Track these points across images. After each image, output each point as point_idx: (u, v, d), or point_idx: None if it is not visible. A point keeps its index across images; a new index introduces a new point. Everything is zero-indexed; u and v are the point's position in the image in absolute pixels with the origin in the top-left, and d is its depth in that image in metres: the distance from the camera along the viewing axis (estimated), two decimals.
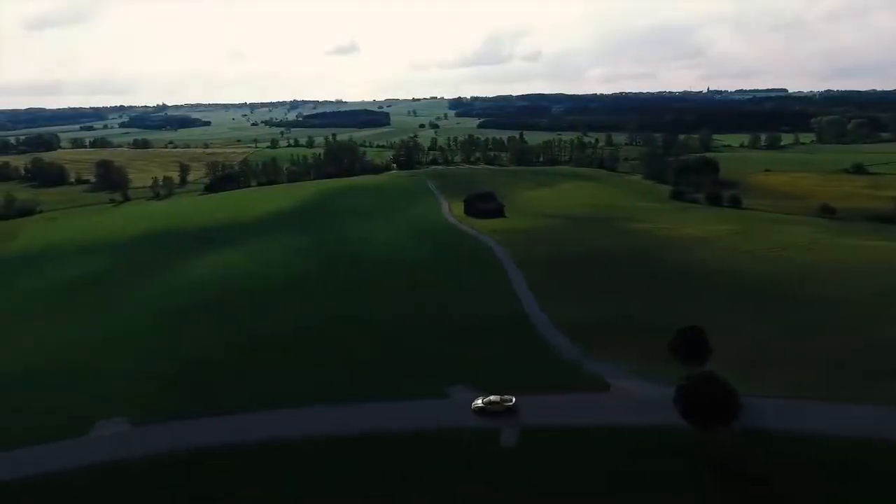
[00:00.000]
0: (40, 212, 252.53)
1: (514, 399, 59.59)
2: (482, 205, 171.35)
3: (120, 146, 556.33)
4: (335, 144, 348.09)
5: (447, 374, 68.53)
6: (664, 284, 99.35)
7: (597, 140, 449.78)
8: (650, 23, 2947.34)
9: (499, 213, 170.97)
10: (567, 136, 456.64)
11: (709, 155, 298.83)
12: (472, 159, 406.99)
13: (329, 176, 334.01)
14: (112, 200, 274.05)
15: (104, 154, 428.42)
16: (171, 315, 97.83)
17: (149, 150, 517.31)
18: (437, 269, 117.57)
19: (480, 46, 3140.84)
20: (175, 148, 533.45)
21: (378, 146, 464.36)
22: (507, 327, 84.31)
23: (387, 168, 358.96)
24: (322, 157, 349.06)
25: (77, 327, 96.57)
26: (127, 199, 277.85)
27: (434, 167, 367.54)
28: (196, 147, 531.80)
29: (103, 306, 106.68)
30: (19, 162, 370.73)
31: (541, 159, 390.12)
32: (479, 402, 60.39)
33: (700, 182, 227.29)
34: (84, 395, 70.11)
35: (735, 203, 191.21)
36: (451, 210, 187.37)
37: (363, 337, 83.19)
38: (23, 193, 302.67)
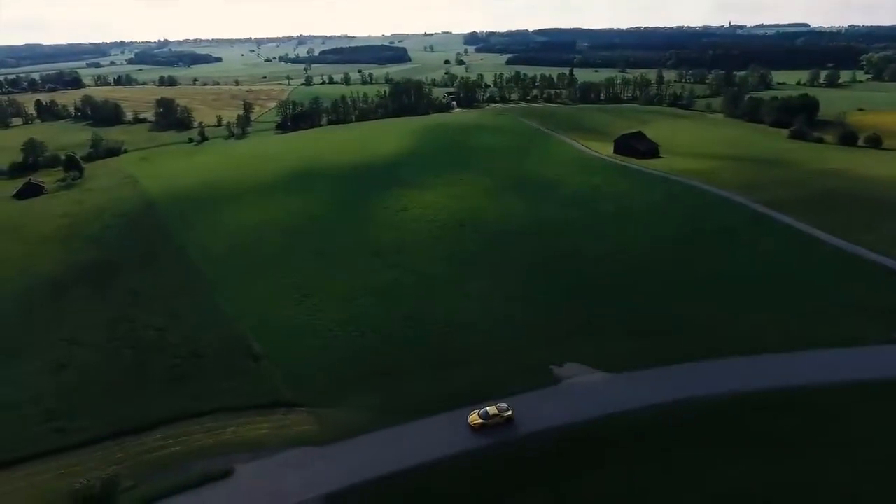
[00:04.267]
0: (125, 151, 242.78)
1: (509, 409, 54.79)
2: (638, 144, 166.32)
3: (144, 83, 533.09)
4: (400, 82, 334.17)
5: None
6: None
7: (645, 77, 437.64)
8: None
9: (654, 153, 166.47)
10: (630, 74, 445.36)
11: (809, 93, 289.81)
12: (529, 97, 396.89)
13: (398, 114, 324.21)
14: (191, 140, 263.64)
15: (155, 92, 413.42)
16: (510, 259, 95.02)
17: (176, 87, 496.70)
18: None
19: None
20: (204, 85, 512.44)
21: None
22: None
23: (448, 106, 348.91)
24: (387, 94, 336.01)
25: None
26: (205, 138, 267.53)
27: (497, 105, 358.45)
28: (227, 84, 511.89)
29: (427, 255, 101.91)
30: (66, 99, 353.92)
31: (602, 97, 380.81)
32: (476, 416, 54.52)
33: (801, 121, 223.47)
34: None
35: (874, 143, 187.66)
36: (596, 150, 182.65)
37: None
38: (85, 133, 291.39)
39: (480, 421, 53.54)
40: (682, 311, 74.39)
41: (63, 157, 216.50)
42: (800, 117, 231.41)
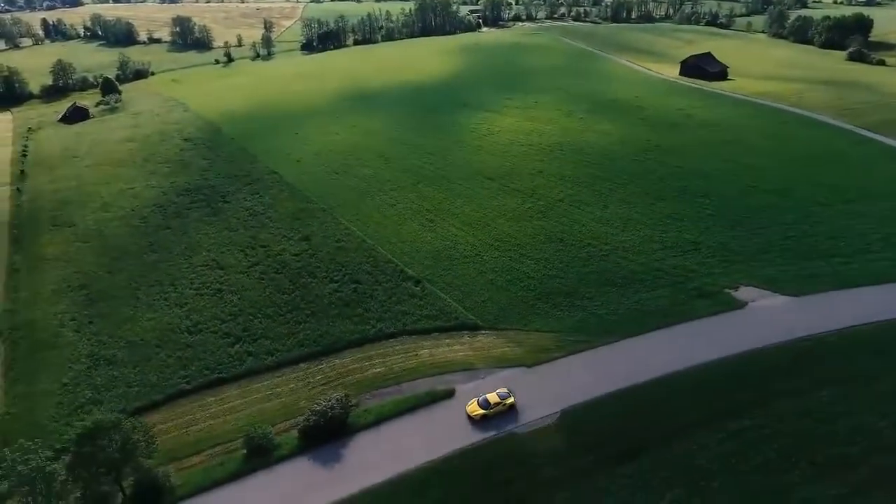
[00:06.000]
0: (152, 73, 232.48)
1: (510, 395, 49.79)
2: (707, 66, 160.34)
3: (145, 0, 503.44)
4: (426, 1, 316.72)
5: None
6: None
7: None
8: None
9: (724, 75, 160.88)
10: None
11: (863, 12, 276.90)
12: (557, 15, 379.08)
13: (424, 34, 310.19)
14: (217, 61, 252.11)
15: (159, 10, 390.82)
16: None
17: (180, 4, 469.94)
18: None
19: None
20: (208, 2, 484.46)
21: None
22: None
23: (476, 25, 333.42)
24: (412, 12, 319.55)
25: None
26: (230, 59, 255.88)
27: (524, 24, 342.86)
28: (235, 2, 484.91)
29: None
30: (73, 18, 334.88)
31: (633, 16, 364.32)
32: (475, 406, 48.96)
33: (859, 42, 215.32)
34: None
35: None
36: (658, 71, 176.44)
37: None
38: (103, 54, 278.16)
39: (482, 411, 48.22)
40: (839, 233, 73.69)
41: (94, 79, 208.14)
42: (855, 38, 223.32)
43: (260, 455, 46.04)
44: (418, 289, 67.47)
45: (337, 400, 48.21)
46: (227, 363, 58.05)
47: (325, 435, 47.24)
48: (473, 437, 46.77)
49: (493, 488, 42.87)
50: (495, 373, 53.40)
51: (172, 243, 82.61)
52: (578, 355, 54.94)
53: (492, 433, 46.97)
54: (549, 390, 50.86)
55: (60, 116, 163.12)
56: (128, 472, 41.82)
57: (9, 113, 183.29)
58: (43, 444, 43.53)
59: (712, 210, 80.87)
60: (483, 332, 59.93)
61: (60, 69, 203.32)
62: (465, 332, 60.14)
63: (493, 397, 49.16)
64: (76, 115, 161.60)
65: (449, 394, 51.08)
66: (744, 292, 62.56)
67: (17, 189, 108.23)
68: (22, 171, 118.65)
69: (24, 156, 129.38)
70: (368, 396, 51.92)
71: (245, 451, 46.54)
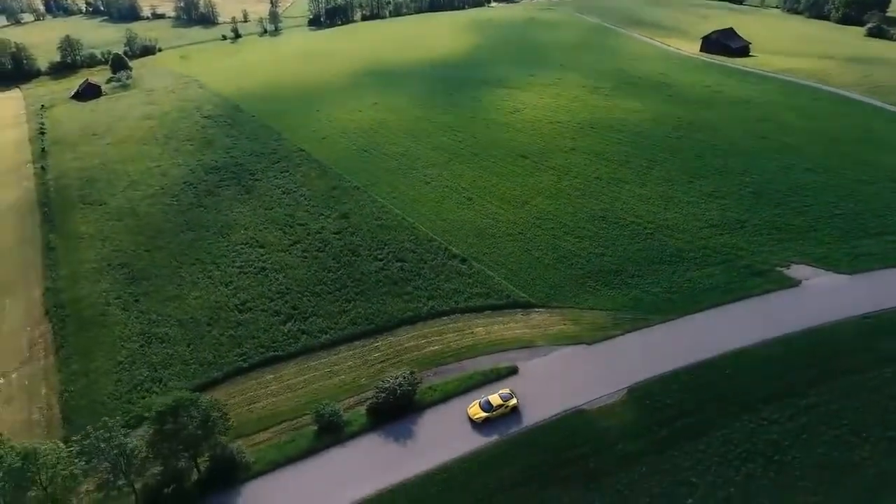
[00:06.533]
0: (159, 49, 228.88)
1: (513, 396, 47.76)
2: (730, 42, 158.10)
3: None
4: None
5: None
6: None
7: None
8: None
9: (746, 51, 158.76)
10: None
11: None
12: None
13: (433, 8, 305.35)
14: (224, 37, 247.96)
15: None
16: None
17: None
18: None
19: None
20: None
21: None
22: None
23: (486, 0, 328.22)
24: None
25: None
26: (238, 35, 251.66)
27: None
28: None
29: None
30: None
31: None
32: (477, 408, 46.90)
33: (879, 18, 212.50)
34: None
35: None
36: (678, 47, 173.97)
37: None
38: (107, 30, 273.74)
39: (484, 414, 46.18)
40: (886, 211, 72.99)
41: (102, 55, 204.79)
42: (874, 13, 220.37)
43: (331, 432, 46.13)
44: (465, 267, 67.11)
45: (404, 377, 48.19)
46: (281, 341, 57.91)
47: (394, 412, 47.38)
48: (543, 413, 46.89)
49: (569, 463, 43.08)
50: (555, 350, 53.37)
51: (208, 221, 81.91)
52: (637, 333, 54.86)
53: (563, 410, 47.14)
54: (612, 367, 50.88)
55: (73, 93, 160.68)
56: (205, 449, 41.86)
57: (18, 90, 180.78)
58: (115, 422, 43.51)
59: (754, 188, 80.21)
60: (537, 309, 59.76)
61: (68, 45, 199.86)
62: (519, 309, 59.95)
63: (495, 399, 47.15)
64: (89, 92, 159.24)
65: (512, 371, 51.07)
66: (796, 270, 62.33)
67: (42, 167, 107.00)
68: (43, 149, 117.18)
69: (42, 133, 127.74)
70: (430, 374, 51.92)
71: (316, 428, 46.63)
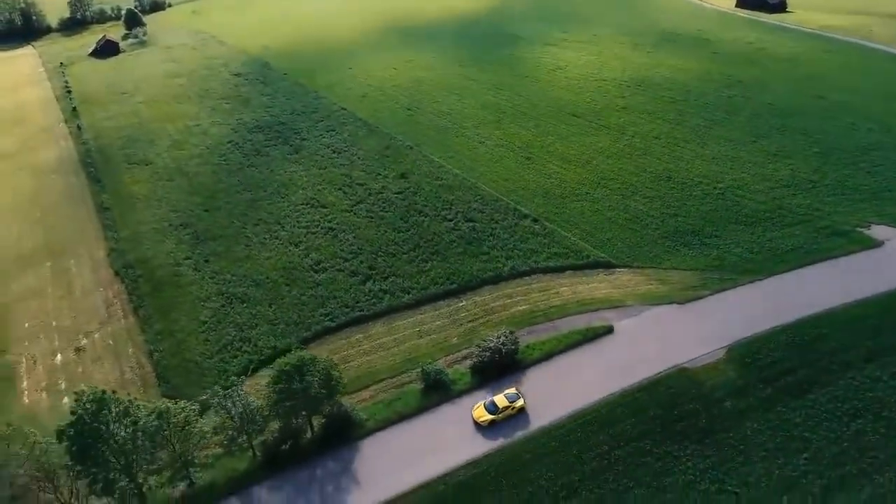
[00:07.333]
0: (169, 5, 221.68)
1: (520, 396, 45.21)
2: None
3: None
4: None
5: None
6: None
7: None
8: None
9: (783, 7, 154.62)
10: None
11: None
12: None
13: None
14: None
15: None
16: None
17: None
18: None
19: None
20: None
21: None
22: None
23: None
24: None
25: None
26: None
27: None
28: None
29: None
30: None
31: None
32: (482, 411, 44.12)
33: None
34: None
35: None
36: (712, 2, 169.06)
37: None
38: None
39: (490, 417, 43.46)
40: None
41: (111, 11, 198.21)
42: None
43: (438, 389, 46.35)
44: (538, 227, 66.48)
45: (505, 336, 48.17)
46: (364, 301, 57.62)
47: (496, 370, 47.53)
48: (646, 372, 47.11)
49: (680, 420, 43.54)
50: (648, 310, 53.33)
51: (262, 181, 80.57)
52: (727, 293, 54.79)
53: (666, 368, 47.39)
54: (707, 327, 50.93)
55: (91, 51, 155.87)
56: (325, 408, 41.97)
57: (31, 47, 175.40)
58: (239, 381, 43.44)
59: (819, 148, 79.17)
60: (619, 269, 59.53)
61: (77, 1, 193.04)
62: (600, 269, 59.69)
63: (501, 400, 44.35)
64: (107, 50, 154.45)
65: (608, 330, 51.11)
66: (876, 231, 62.00)
67: (78, 126, 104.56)
68: (73, 108, 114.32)
69: (69, 92, 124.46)
70: (524, 333, 51.86)
71: (421, 386, 46.80)
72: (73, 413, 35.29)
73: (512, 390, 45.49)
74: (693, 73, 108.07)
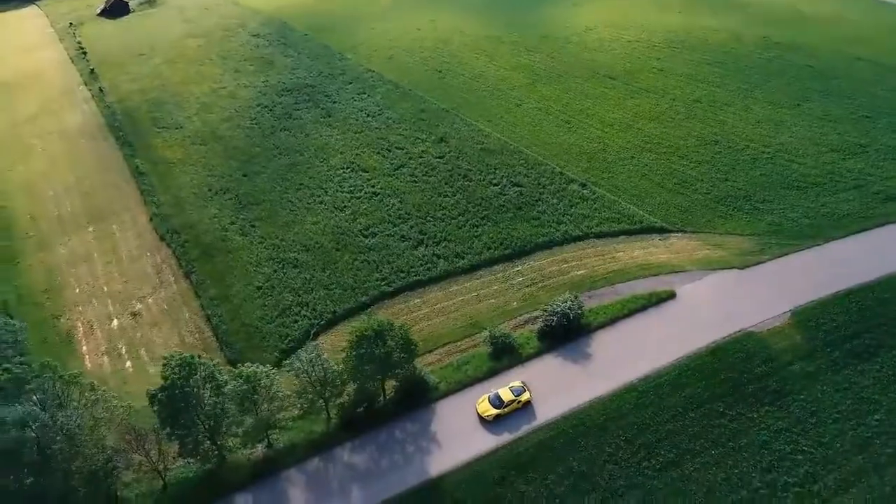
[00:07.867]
0: None
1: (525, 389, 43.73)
2: None
3: None
4: None
5: None
6: None
7: None
8: None
9: None
10: None
11: None
12: None
13: None
14: None
15: None
16: None
17: None
18: None
19: None
20: None
21: None
22: None
23: None
24: None
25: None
26: None
27: None
28: None
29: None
30: None
31: None
32: (487, 405, 42.60)
33: None
34: None
35: None
36: None
37: None
38: None
39: (495, 411, 42.14)
40: None
41: None
42: None
43: (506, 353, 46.57)
44: (587, 191, 65.87)
45: (571, 300, 48.16)
46: (418, 266, 57.42)
47: (563, 334, 47.69)
48: (715, 335, 47.26)
49: (751, 382, 43.93)
50: (708, 275, 53.24)
51: (299, 146, 79.28)
52: (786, 258, 54.67)
53: (733, 332, 47.53)
54: (770, 291, 50.94)
55: (100, 10, 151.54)
56: (401, 371, 42.16)
57: (35, 7, 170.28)
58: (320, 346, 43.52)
59: (866, 112, 77.90)
60: (674, 234, 59.29)
61: None
62: (655, 234, 59.45)
63: (506, 394, 42.97)
64: (117, 9, 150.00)
65: (671, 295, 51.11)
66: None
67: (100, 89, 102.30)
68: (92, 70, 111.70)
69: (84, 53, 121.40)
70: (585, 297, 51.81)
71: (490, 350, 47.00)
72: (164, 378, 35.35)
73: (517, 383, 44.05)
74: (728, 35, 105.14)
